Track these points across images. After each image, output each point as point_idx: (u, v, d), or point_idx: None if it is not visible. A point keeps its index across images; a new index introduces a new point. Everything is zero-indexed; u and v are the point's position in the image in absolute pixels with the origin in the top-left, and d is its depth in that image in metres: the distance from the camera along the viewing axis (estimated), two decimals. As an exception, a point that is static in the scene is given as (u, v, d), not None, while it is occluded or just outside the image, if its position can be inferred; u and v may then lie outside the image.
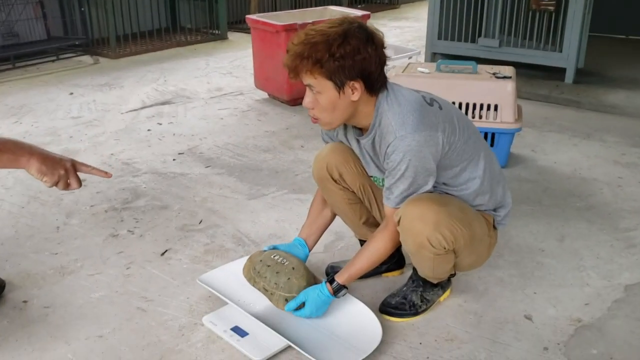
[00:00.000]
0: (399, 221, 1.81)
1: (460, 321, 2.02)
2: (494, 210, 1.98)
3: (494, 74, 3.19)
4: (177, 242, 2.54)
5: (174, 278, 2.28)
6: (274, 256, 2.03)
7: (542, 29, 4.88)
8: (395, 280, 2.24)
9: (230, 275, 2.17)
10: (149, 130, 3.93)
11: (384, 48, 1.77)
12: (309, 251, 2.15)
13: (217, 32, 7.07)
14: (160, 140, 3.75)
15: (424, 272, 1.96)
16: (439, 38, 5.31)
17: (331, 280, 1.91)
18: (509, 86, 3.08)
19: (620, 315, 2.04)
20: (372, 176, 2.02)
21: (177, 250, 2.47)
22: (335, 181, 2.06)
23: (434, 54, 5.40)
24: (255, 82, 4.68)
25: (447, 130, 1.78)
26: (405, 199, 1.81)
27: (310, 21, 4.22)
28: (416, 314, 2.02)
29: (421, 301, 2.04)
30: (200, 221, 2.72)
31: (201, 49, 6.53)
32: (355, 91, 1.74)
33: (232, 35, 7.17)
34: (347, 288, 1.93)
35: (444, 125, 1.78)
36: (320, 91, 1.74)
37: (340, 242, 2.52)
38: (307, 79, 1.75)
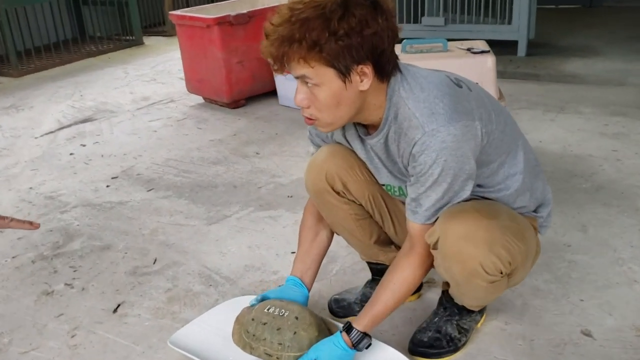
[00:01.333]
0: (435, 243, 1.39)
1: (510, 350, 1.63)
2: (535, 210, 1.60)
3: (468, 49, 2.83)
4: (130, 292, 2.02)
5: (135, 342, 1.77)
6: (268, 309, 1.56)
7: (488, 2, 4.60)
8: (414, 307, 1.83)
9: (209, 329, 1.69)
10: (71, 154, 3.33)
11: (394, 17, 1.34)
12: (309, 291, 1.69)
13: (131, 38, 6.42)
14: (87, 164, 3.17)
15: (470, 302, 1.56)
16: (379, 21, 4.94)
17: (348, 328, 1.47)
18: (489, 61, 2.72)
19: (690, 315, 1.72)
20: (383, 184, 1.58)
21: (133, 303, 1.96)
22: (338, 193, 1.61)
23: (375, 38, 5.03)
24: (187, 86, 4.15)
25: (484, 117, 1.38)
26: (439, 212, 1.39)
27: (244, 11, 3.75)
28: (456, 349, 1.62)
29: (459, 333, 1.63)
30: (155, 260, 2.20)
31: (116, 57, 5.88)
32: (364, 78, 1.31)
33: (149, 40, 6.54)
34: (370, 337, 1.48)
35: (479, 112, 1.38)
36: (318, 83, 1.31)
37: (333, 265, 2.08)
38: (300, 69, 1.30)
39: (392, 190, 1.57)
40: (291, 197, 2.62)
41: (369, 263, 1.83)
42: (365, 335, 1.47)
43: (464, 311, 1.63)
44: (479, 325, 1.70)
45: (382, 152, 1.47)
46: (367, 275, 1.90)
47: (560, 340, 1.65)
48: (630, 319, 1.72)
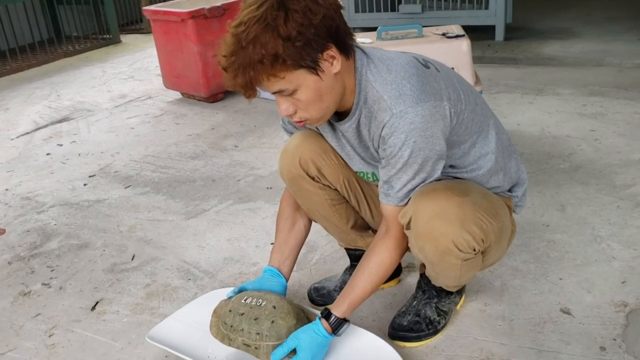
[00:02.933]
0: (408, 223, 1.38)
1: (490, 331, 1.62)
2: (510, 190, 1.59)
3: (443, 34, 2.82)
4: (108, 289, 2.00)
5: (114, 339, 1.74)
6: (245, 300, 1.54)
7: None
8: (394, 292, 1.82)
9: (187, 323, 1.67)
10: (48, 154, 3.29)
11: None
12: (287, 281, 1.67)
13: (107, 36, 6.35)
14: (64, 164, 3.13)
15: (446, 282, 1.55)
16: (357, 11, 4.93)
17: (327, 315, 1.45)
18: (464, 45, 2.71)
19: (667, 289, 1.72)
20: (357, 171, 1.57)
21: (111, 300, 1.93)
22: (312, 179, 1.60)
23: (354, 28, 5.01)
24: (164, 82, 4.11)
25: (452, 97, 1.37)
26: (411, 193, 1.38)
27: (219, 4, 3.71)
28: (436, 332, 1.61)
29: (438, 315, 1.62)
30: (133, 257, 2.17)
31: (93, 56, 5.81)
32: (333, 60, 1.29)
33: (125, 38, 6.47)
34: (348, 322, 1.48)
35: (447, 92, 1.36)
36: (295, 88, 1.28)
37: (313, 254, 2.07)
38: (273, 86, 1.28)
39: (366, 176, 1.56)
40: (270, 188, 2.60)
41: (347, 249, 1.82)
42: (344, 320, 1.46)
43: (442, 293, 1.63)
44: (458, 307, 1.70)
45: (354, 137, 1.45)
46: (347, 263, 1.89)
47: (539, 319, 1.65)
48: (609, 295, 1.72)
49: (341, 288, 1.76)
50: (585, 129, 2.89)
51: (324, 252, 2.07)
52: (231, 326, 1.49)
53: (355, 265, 1.77)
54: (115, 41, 6.32)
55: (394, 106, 1.30)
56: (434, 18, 4.60)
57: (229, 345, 1.51)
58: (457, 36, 2.75)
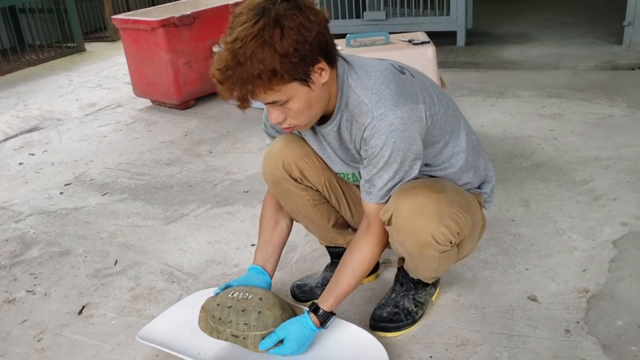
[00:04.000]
0: (389, 219, 1.48)
1: (464, 320, 1.73)
2: (479, 187, 1.71)
3: (409, 41, 2.94)
4: (93, 293, 2.04)
5: (103, 341, 1.79)
6: (232, 294, 1.61)
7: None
8: (373, 286, 1.92)
9: (176, 322, 1.73)
10: (20, 164, 3.29)
11: (316, 4, 1.40)
12: (271, 278, 1.75)
13: (72, 44, 6.32)
14: (37, 173, 3.14)
15: (424, 274, 1.65)
16: (322, 18, 5.02)
17: (315, 309, 1.54)
18: (430, 51, 2.84)
19: (624, 275, 1.86)
20: (338, 173, 1.66)
21: (98, 304, 1.98)
22: (295, 180, 1.68)
23: (320, 35, 5.11)
24: (134, 90, 4.14)
25: (427, 101, 1.47)
26: (391, 191, 1.48)
27: (189, 12, 3.77)
28: (414, 322, 1.71)
29: (415, 306, 1.73)
30: (116, 262, 2.22)
31: (58, 65, 5.78)
32: (322, 71, 1.38)
33: (90, 46, 6.45)
34: (335, 315, 1.57)
35: (422, 96, 1.47)
36: (288, 99, 1.37)
37: (293, 254, 2.15)
38: (268, 97, 1.36)
39: (346, 177, 1.66)
40: (247, 192, 2.68)
41: (327, 247, 1.91)
42: (330, 313, 1.55)
43: (419, 285, 1.73)
44: (433, 298, 1.80)
45: (335, 140, 1.54)
46: (326, 260, 1.98)
47: (509, 306, 1.76)
48: (572, 283, 1.85)
49: (323, 285, 1.85)
50: (544, 129, 3.05)
51: (304, 252, 2.15)
52: (219, 319, 1.56)
53: (336, 263, 1.86)
54: (80, 49, 6.29)
55: (375, 109, 1.39)
56: (397, 24, 4.74)
57: (218, 337, 1.57)
58: (422, 43, 2.88)
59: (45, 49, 6.17)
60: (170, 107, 4.00)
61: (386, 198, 1.49)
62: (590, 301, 1.76)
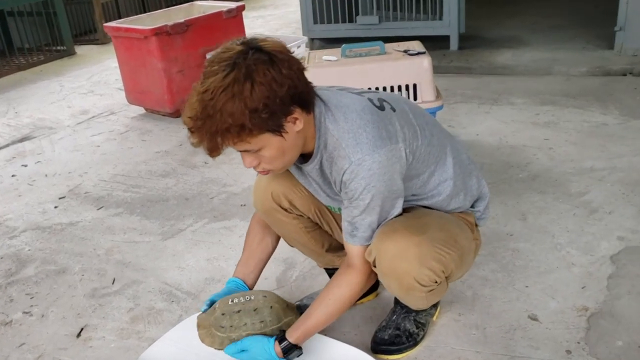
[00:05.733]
0: (374, 262, 1.48)
1: (465, 340, 1.74)
2: (472, 206, 1.70)
3: (405, 51, 2.94)
4: (92, 314, 2.03)
5: (104, 365, 1.79)
6: (232, 301, 1.62)
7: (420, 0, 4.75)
8: (373, 305, 1.92)
9: (177, 345, 1.73)
10: (13, 175, 3.26)
11: (291, 53, 1.37)
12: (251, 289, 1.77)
13: (62, 48, 6.26)
14: (31, 186, 3.11)
15: (417, 306, 1.66)
16: (315, 22, 5.02)
17: (281, 338, 1.54)
18: (426, 62, 2.84)
19: (622, 293, 1.87)
20: (326, 205, 1.67)
21: (96, 326, 1.97)
22: (285, 210, 1.69)
23: (312, 39, 5.11)
24: (127, 98, 4.11)
25: (408, 136, 1.45)
26: (374, 232, 1.48)
27: (182, 20, 3.74)
28: (415, 343, 1.72)
29: (417, 327, 1.73)
30: (114, 280, 2.21)
31: (48, 69, 5.73)
32: (296, 120, 1.36)
33: (81, 49, 6.39)
34: (301, 349, 1.56)
35: (402, 132, 1.44)
36: (260, 148, 1.35)
37: (292, 271, 2.15)
38: (239, 147, 1.36)
39: (334, 209, 1.67)
40: (244, 205, 2.67)
41: (326, 269, 1.91)
42: (295, 347, 1.53)
43: (420, 307, 1.73)
44: (434, 318, 1.81)
45: (319, 177, 1.53)
46: (327, 278, 1.98)
47: (509, 326, 1.77)
48: (571, 300, 1.86)
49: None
50: (539, 138, 3.06)
51: (303, 269, 2.15)
52: (231, 326, 1.56)
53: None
54: (70, 53, 6.24)
55: (352, 154, 1.37)
56: (390, 29, 4.74)
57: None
58: (418, 53, 2.88)
59: (34, 53, 6.11)
60: (164, 116, 3.97)
61: (370, 240, 1.48)
62: (590, 320, 1.77)
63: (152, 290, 2.13)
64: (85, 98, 4.62)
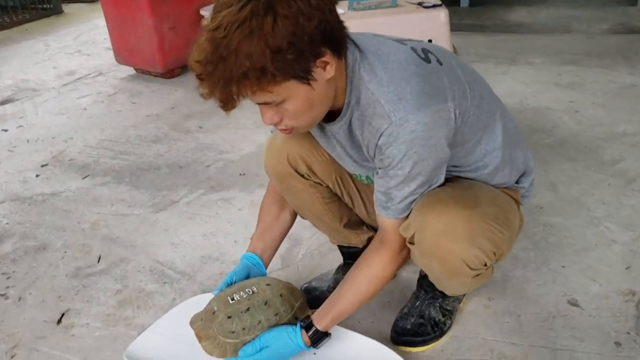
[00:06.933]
0: (411, 238, 1.24)
1: (498, 330, 1.52)
2: (517, 182, 1.47)
3: (419, 3, 2.67)
4: (74, 297, 1.81)
5: (86, 357, 1.57)
6: (234, 298, 1.38)
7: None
8: (391, 289, 1.70)
9: (170, 336, 1.51)
10: (-8, 141, 3.02)
11: None
12: (266, 270, 1.54)
13: (48, 6, 5.94)
14: (11, 152, 2.87)
15: (457, 292, 1.44)
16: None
17: (308, 326, 1.32)
18: (442, 15, 2.57)
19: (674, 274, 1.66)
20: (351, 173, 1.43)
21: (79, 311, 1.75)
22: (302, 176, 1.44)
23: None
24: (115, 57, 3.83)
25: (457, 95, 1.20)
26: (412, 204, 1.24)
27: (173, -28, 3.44)
28: (442, 334, 1.50)
29: (443, 315, 1.51)
30: (99, 258, 1.98)
31: (34, 28, 5.42)
32: (327, 65, 1.10)
33: (68, 8, 6.07)
34: (330, 335, 1.35)
35: (451, 90, 1.19)
36: (283, 100, 1.10)
37: (298, 249, 1.92)
38: (258, 98, 1.10)
39: (359, 178, 1.42)
40: (243, 175, 2.43)
41: (340, 246, 1.68)
42: (325, 334, 1.33)
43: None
44: (461, 304, 1.59)
45: (346, 138, 1.29)
46: (337, 257, 1.76)
47: (547, 313, 1.56)
48: (615, 283, 1.64)
49: (333, 289, 1.62)
50: (564, 100, 2.82)
51: (310, 246, 1.93)
52: (243, 328, 1.34)
53: (350, 264, 1.64)
54: (57, 11, 5.92)
55: (393, 113, 1.13)
56: (397, -16, 4.43)
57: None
58: (434, 6, 2.61)
59: (19, 11, 5.79)
60: (155, 76, 3.71)
61: (407, 212, 1.25)
62: (639, 306, 1.55)
63: (142, 269, 1.90)
64: (72, 58, 4.34)
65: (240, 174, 2.44)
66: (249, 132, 2.82)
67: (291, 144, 1.41)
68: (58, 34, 5.10)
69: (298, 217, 1.61)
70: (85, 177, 2.55)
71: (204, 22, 1.05)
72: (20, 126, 3.17)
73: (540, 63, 3.34)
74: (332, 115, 1.24)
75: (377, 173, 1.23)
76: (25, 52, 4.61)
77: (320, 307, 1.35)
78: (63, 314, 1.74)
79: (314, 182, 1.46)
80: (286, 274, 1.80)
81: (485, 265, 1.25)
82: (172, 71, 3.65)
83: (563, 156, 2.32)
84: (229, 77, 1.01)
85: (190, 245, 2.00)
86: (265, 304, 1.37)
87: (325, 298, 1.59)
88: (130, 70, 3.86)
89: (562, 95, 2.88)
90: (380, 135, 1.15)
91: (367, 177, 1.38)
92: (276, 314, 1.37)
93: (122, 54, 3.75)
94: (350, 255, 1.64)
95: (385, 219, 1.26)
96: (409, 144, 1.13)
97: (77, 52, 4.50)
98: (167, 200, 2.30)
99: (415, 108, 1.12)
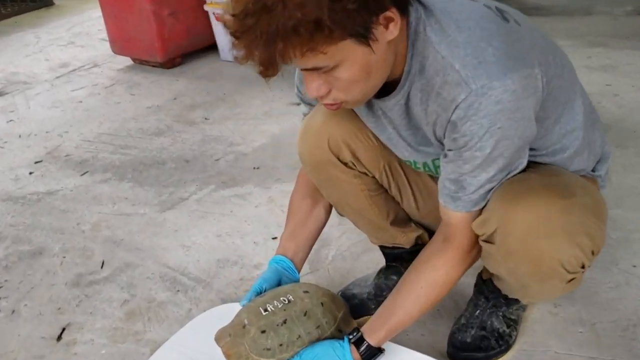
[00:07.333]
0: (490, 236, 1.03)
1: (572, 342, 1.31)
2: (593, 170, 1.26)
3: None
4: (76, 309, 1.59)
5: (92, 381, 1.36)
6: (267, 308, 1.17)
7: None
8: (439, 294, 1.48)
9: (189, 352, 1.31)
10: (-19, 137, 2.78)
11: None
12: (299, 274, 1.32)
13: (38, -3, 5.68)
14: (2, 148, 2.64)
15: (542, 300, 1.23)
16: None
17: (358, 340, 1.12)
18: None
19: None
20: (404, 160, 1.21)
21: (82, 325, 1.53)
22: (346, 164, 1.23)
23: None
24: (112, 47, 3.59)
25: (542, 61, 0.98)
26: (488, 194, 1.03)
27: (173, -47, 3.21)
28: (508, 348, 1.29)
29: (508, 326, 1.30)
30: (102, 264, 1.77)
31: (23, 21, 5.16)
32: (391, 23, 0.89)
33: (59, 0, 5.81)
34: (383, 351, 1.14)
35: (536, 54, 0.98)
36: (337, 64, 0.89)
37: (327, 250, 1.71)
38: (307, 62, 0.89)
39: (414, 166, 1.20)
40: (257, 168, 2.21)
41: (382, 247, 1.46)
42: (378, 350, 1.13)
43: (511, 299, 1.30)
44: (525, 312, 1.38)
45: (401, 117, 1.07)
46: (373, 259, 1.56)
47: (626, 320, 1.35)
48: (698, 285, 1.44)
49: (377, 296, 1.42)
50: (600, 83, 2.61)
51: (340, 247, 1.71)
52: (280, 345, 1.13)
53: (393, 268, 1.44)
54: (48, 3, 5.66)
55: (473, 79, 0.91)
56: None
57: None
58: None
59: (7, 3, 5.52)
60: (154, 66, 3.47)
61: (481, 204, 1.03)
62: None
63: (151, 276, 1.69)
64: (65, 50, 4.10)
65: (254, 168, 2.22)
66: (260, 122, 2.60)
67: (333, 125, 1.19)
68: (49, 26, 4.85)
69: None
70: (84, 173, 2.32)
71: None
72: (10, 120, 2.93)
73: (566, 45, 3.12)
74: (384, 90, 1.02)
75: (446, 156, 1.01)
76: (15, 45, 4.36)
77: (372, 319, 1.14)
78: (63, 329, 1.52)
79: (359, 171, 1.24)
80: (316, 279, 1.58)
81: (583, 267, 1.04)
82: (173, 60, 3.42)
83: (611, 142, 2.10)
84: (274, 32, 0.80)
85: (203, 248, 1.78)
86: (305, 314, 1.16)
87: (366, 307, 1.40)
88: (127, 61, 3.63)
89: (596, 78, 2.67)
90: (456, 108, 0.93)
91: (425, 165, 1.16)
92: (318, 327, 1.16)
93: (119, 43, 3.51)
94: (395, 257, 1.43)
95: (453, 212, 1.05)
96: (493, 118, 0.92)
97: (70, 43, 4.25)
98: (174, 197, 2.08)
99: (501, 73, 0.90)
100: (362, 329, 1.12)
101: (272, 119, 2.61)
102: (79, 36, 4.42)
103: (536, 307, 1.41)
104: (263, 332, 1.14)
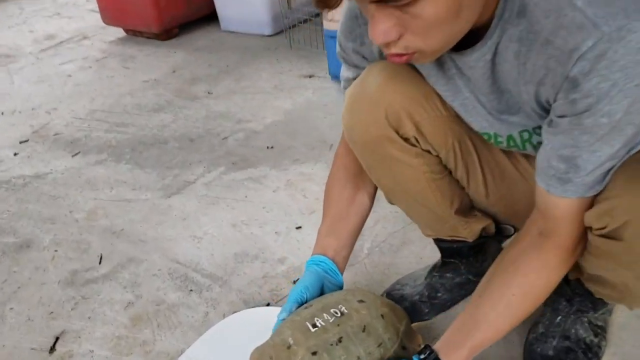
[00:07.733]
0: (613, 231, 0.80)
1: (668, 352, 1.10)
2: None
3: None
4: (71, 313, 1.36)
5: (93, 404, 1.13)
6: (316, 324, 0.94)
7: None
8: (501, 294, 1.26)
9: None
10: (-41, 114, 2.52)
11: None
12: (342, 274, 1.09)
13: (21, -32, 5.35)
14: (-17, 127, 2.38)
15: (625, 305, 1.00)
16: None
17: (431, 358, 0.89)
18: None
19: None
20: (480, 132, 0.97)
21: (79, 333, 1.30)
22: (406, 140, 0.99)
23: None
24: (102, 17, 3.32)
25: None
26: (608, 176, 0.79)
27: None
28: (596, 361, 1.07)
29: (595, 335, 1.09)
30: (101, 258, 1.53)
31: (5, -8, 4.86)
32: None
33: (44, -30, 5.49)
34: None
35: None
36: None
37: (360, 241, 1.48)
38: None
39: (495, 140, 0.97)
40: (272, 148, 1.97)
41: (438, 240, 1.23)
42: None
43: (597, 301, 1.08)
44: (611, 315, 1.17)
45: (484, 77, 0.83)
46: (414, 251, 1.35)
47: None
48: None
49: (430, 297, 1.20)
50: None
51: (376, 238, 1.49)
52: (340, 357, 0.90)
53: (450, 264, 1.22)
54: (31, -26, 5.33)
55: (602, 21, 0.67)
56: None
57: None
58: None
59: (-12, -26, 5.20)
60: (149, 38, 3.21)
61: (598, 188, 0.80)
62: None
63: (157, 273, 1.45)
64: (50, 21, 3.81)
65: (267, 147, 1.98)
66: (270, 97, 2.35)
67: (391, 92, 0.95)
68: (33, -4, 4.55)
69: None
70: (76, 154, 2.07)
71: None
72: (-7, 97, 2.67)
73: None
74: (463, 41, 0.78)
75: (554, 125, 0.78)
76: (-4, 16, 4.06)
77: (448, 334, 0.91)
78: (57, 338, 1.29)
79: (422, 149, 1.00)
80: (352, 277, 1.36)
81: None
82: (169, 31, 3.15)
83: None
84: None
85: (217, 240, 1.55)
86: (364, 330, 0.93)
87: (419, 311, 1.18)
88: (119, 32, 3.36)
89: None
90: (579, 59, 0.69)
91: (510, 138, 0.93)
92: (379, 345, 0.93)
93: (111, 13, 3.23)
94: (453, 252, 1.21)
95: (559, 199, 0.81)
96: (631, 72, 0.68)
97: (56, 14, 3.97)
98: (179, 181, 1.84)
99: (639, 12, 0.67)
100: (437, 348, 0.89)
101: (283, 93, 2.36)
102: (66, 7, 4.13)
103: (617, 309, 1.19)
104: (314, 353, 0.90)
